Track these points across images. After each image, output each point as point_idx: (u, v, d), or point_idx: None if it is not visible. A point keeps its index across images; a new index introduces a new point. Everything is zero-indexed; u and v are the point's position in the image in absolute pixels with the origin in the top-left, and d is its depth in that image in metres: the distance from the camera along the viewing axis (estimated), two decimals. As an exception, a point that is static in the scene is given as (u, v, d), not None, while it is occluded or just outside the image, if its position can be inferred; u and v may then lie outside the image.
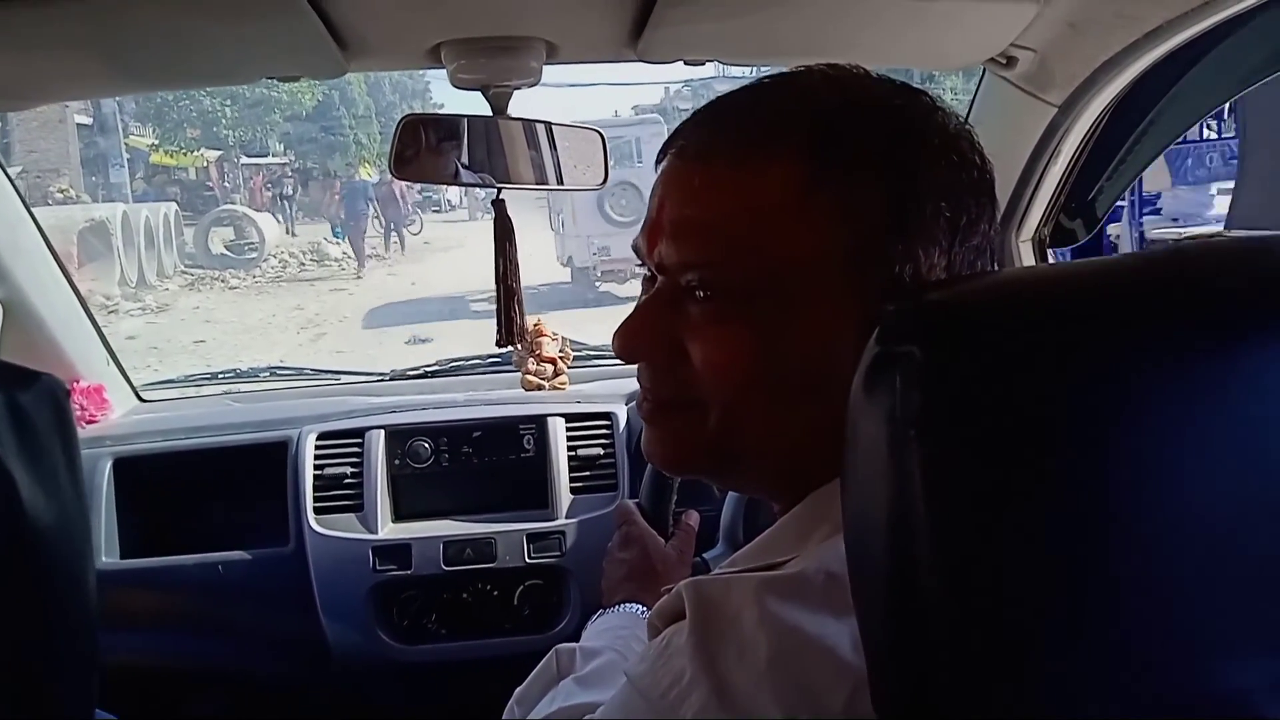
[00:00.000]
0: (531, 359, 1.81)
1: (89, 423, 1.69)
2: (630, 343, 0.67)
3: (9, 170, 1.56)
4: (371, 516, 1.56)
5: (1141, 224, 6.86)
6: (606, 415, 1.64)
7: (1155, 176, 6.57)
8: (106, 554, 1.55)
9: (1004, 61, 1.12)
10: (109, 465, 1.58)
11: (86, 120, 17.13)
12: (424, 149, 1.24)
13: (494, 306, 1.32)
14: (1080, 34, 1.02)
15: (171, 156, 20.41)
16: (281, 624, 1.57)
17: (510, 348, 1.65)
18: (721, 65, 1.35)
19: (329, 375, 2.20)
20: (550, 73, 1.17)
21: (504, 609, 1.55)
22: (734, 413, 0.64)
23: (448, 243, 17.33)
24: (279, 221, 18.03)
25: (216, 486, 1.66)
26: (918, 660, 0.45)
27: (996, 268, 0.68)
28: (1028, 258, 1.36)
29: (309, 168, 22.47)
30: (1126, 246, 6.32)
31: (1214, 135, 7.01)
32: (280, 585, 1.54)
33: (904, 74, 0.84)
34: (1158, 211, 7.03)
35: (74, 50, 1.02)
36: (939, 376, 0.43)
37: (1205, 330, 0.44)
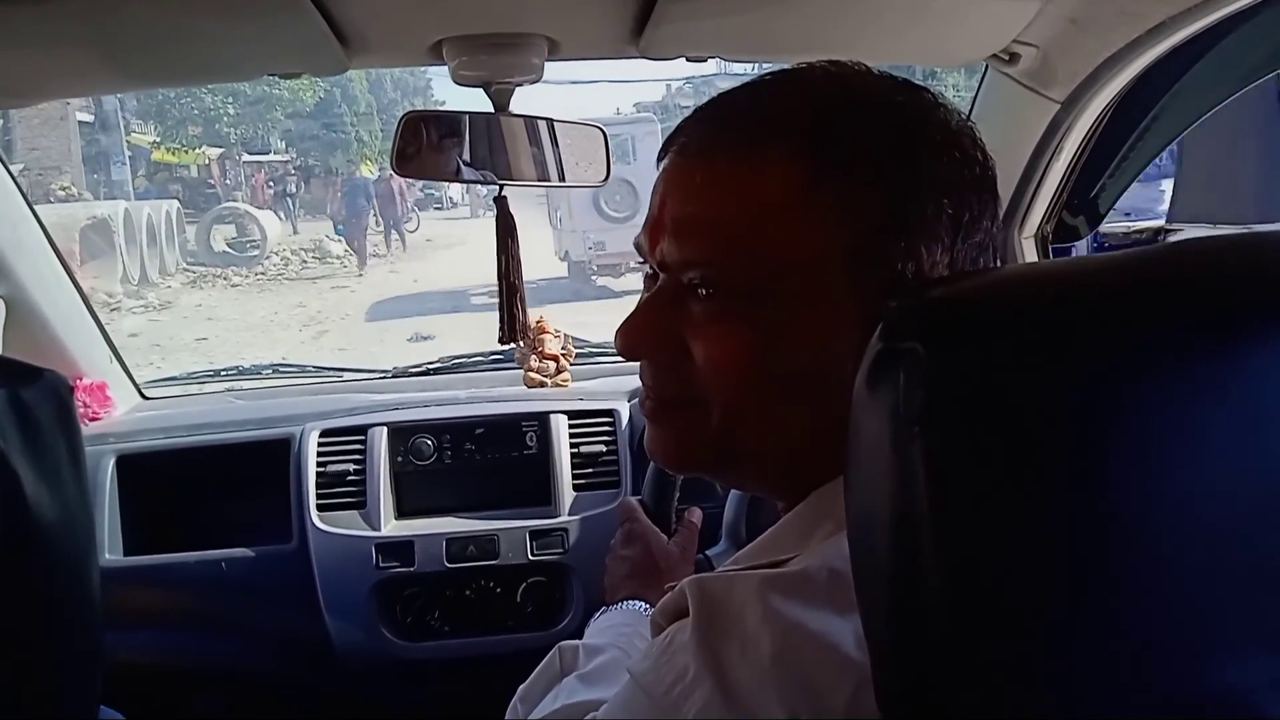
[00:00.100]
0: (534, 356, 1.81)
1: (92, 420, 1.69)
2: (633, 341, 0.67)
3: (11, 168, 1.56)
4: (374, 513, 1.56)
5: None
6: (609, 412, 1.64)
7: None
8: (110, 551, 1.55)
9: (1006, 58, 1.12)
10: (112, 462, 1.58)
11: (88, 117, 17.14)
12: (426, 146, 1.24)
13: (494, 300, 1.32)
14: (1083, 30, 1.01)
15: (173, 154, 20.42)
16: (285, 621, 1.57)
17: (513, 345, 1.66)
18: (723, 62, 1.35)
19: (331, 372, 2.20)
20: (552, 69, 1.17)
21: (507, 606, 1.55)
22: (736, 411, 0.64)
23: (450, 240, 17.35)
24: (281, 219, 18.05)
25: (219, 484, 1.66)
26: (921, 657, 0.45)
27: (999, 265, 0.68)
28: (1030, 255, 1.36)
29: (310, 165, 22.49)
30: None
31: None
32: (283, 582, 1.55)
33: (906, 71, 0.84)
34: (1111, 206, 7.09)
35: (75, 47, 1.02)
36: (942, 373, 0.43)
37: (1207, 328, 0.44)
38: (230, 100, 20.60)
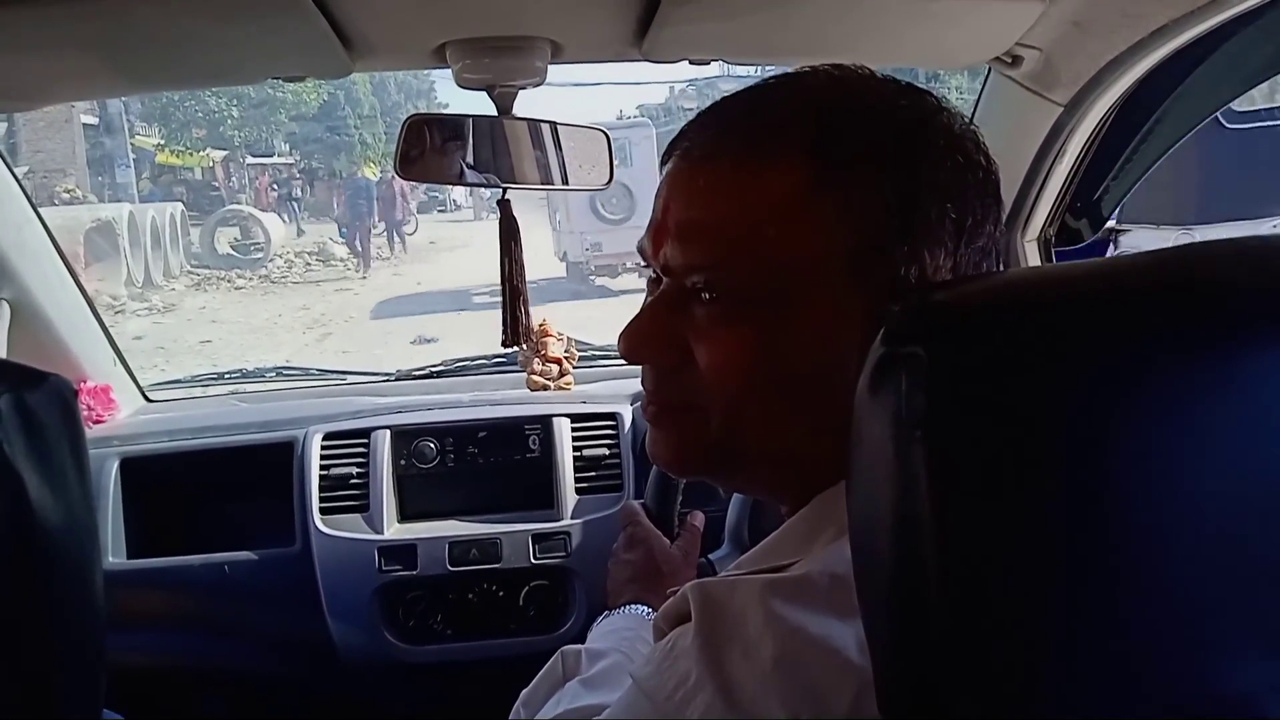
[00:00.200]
0: (537, 359, 1.81)
1: (96, 423, 1.69)
2: (636, 344, 0.67)
3: (15, 170, 1.57)
4: (377, 517, 1.56)
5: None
6: (612, 415, 1.64)
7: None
8: (113, 554, 1.55)
9: (1009, 61, 1.12)
10: (116, 465, 1.59)
11: (92, 120, 17.17)
12: (429, 149, 1.24)
13: (496, 299, 1.32)
14: (1085, 33, 1.01)
15: (177, 156, 20.44)
16: (287, 624, 1.57)
17: (516, 348, 1.66)
18: (726, 65, 1.35)
19: (335, 375, 2.21)
20: (555, 72, 1.17)
21: (509, 610, 1.55)
22: (738, 414, 0.64)
23: (453, 242, 17.36)
24: (285, 221, 18.07)
25: (223, 486, 1.66)
26: (923, 661, 0.45)
27: (1002, 268, 0.68)
28: (1033, 258, 1.36)
29: (314, 168, 22.51)
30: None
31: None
32: (286, 586, 1.55)
33: (909, 74, 0.84)
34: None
35: (79, 51, 1.02)
36: (944, 377, 0.43)
37: (1208, 331, 0.44)
38: (234, 103, 20.62)
